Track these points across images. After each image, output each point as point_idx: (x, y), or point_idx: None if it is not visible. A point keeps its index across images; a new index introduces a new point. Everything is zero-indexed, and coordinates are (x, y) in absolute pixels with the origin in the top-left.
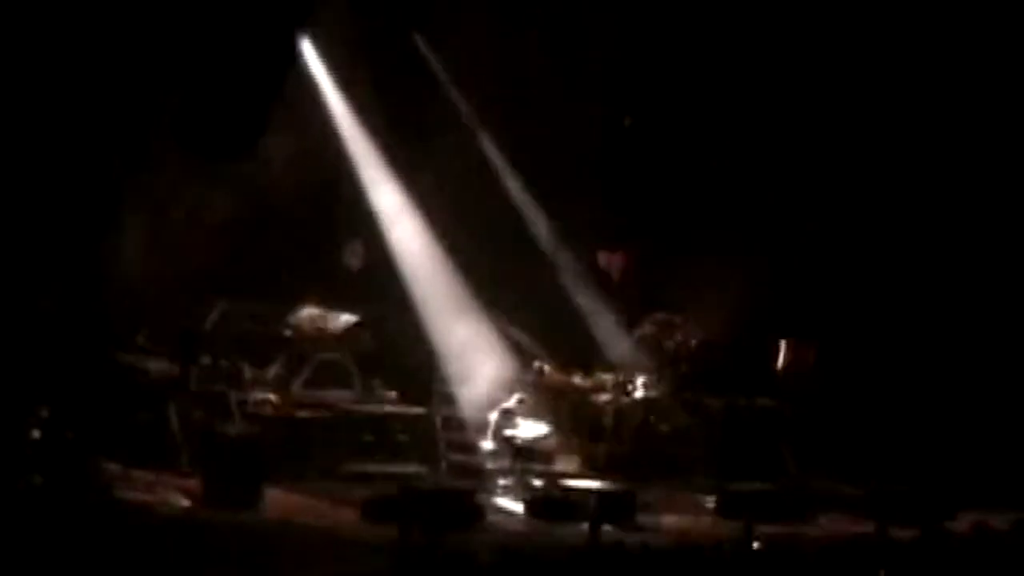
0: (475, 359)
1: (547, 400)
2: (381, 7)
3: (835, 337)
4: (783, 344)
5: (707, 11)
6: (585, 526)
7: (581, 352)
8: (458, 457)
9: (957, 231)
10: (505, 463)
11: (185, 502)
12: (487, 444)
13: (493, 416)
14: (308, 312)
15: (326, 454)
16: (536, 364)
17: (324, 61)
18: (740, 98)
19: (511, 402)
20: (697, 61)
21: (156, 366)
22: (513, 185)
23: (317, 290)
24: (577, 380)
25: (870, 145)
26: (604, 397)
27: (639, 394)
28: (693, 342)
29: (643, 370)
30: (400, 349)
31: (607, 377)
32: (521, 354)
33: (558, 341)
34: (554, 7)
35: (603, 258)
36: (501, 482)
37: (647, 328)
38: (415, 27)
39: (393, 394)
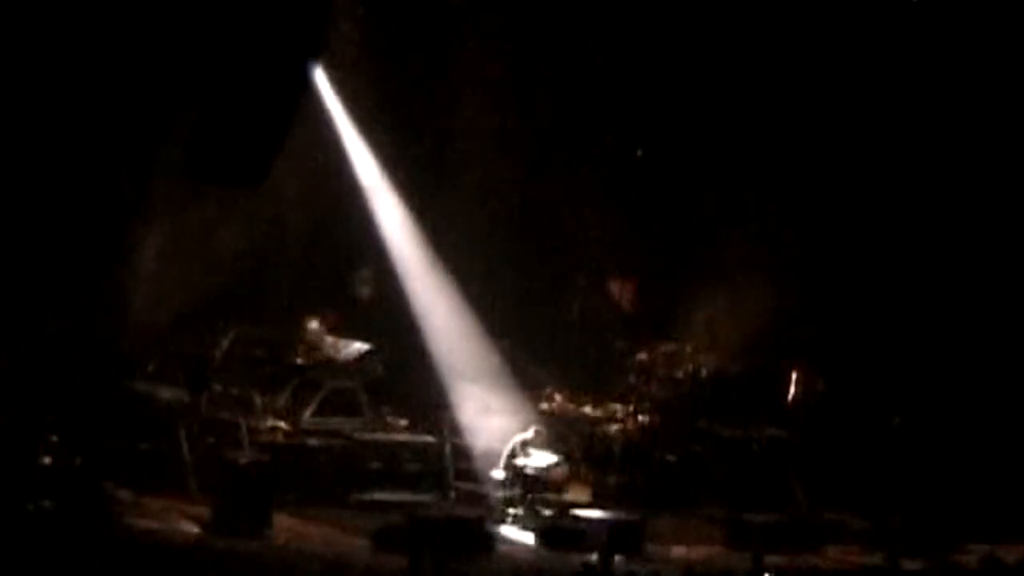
0: (485, 388)
1: (557, 429)
2: (393, 36)
3: (845, 367)
4: (793, 374)
5: (721, 46)
6: (595, 556)
7: (591, 381)
8: (468, 486)
9: (970, 261)
10: (515, 492)
11: (194, 529)
12: (498, 473)
13: (508, 446)
14: (314, 327)
15: (336, 482)
16: (546, 393)
17: (336, 89)
18: (751, 127)
19: (528, 433)
20: (709, 92)
21: (167, 393)
22: (524, 213)
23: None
24: (587, 409)
25: (880, 173)
26: (614, 427)
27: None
28: (703, 371)
29: (650, 399)
30: (410, 378)
31: (617, 406)
32: (532, 383)
33: (569, 370)
34: (567, 39)
35: (614, 287)
36: (511, 511)
37: (654, 356)
38: (427, 56)
39: (403, 422)
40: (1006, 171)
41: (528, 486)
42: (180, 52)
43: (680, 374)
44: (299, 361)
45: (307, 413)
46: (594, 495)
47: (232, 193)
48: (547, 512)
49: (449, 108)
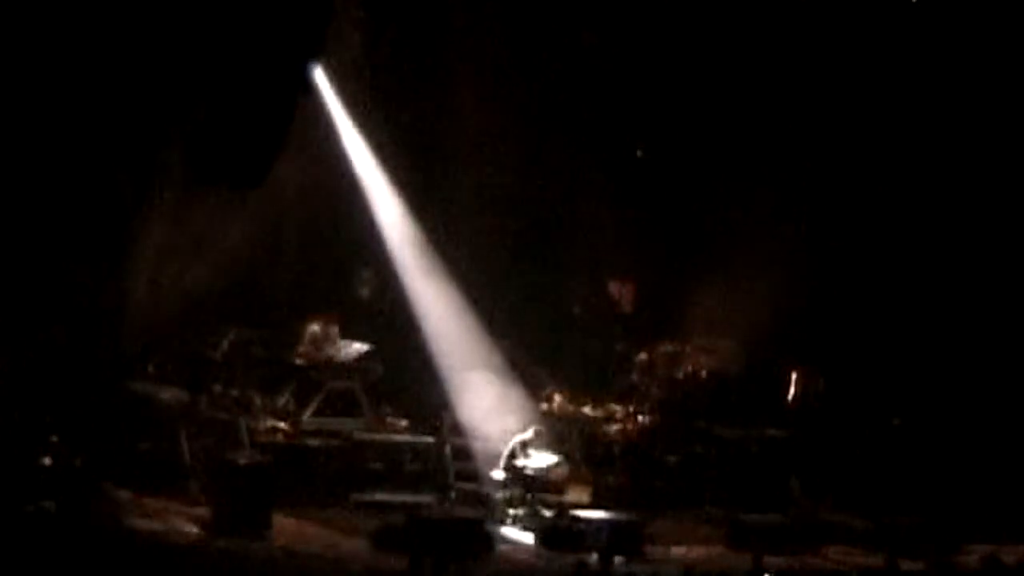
0: (486, 389)
1: (557, 429)
2: (393, 37)
3: (845, 367)
4: (793, 374)
5: (723, 45)
6: (595, 556)
7: (591, 381)
8: (468, 487)
9: (970, 262)
10: (515, 493)
11: (195, 529)
12: (497, 474)
13: (508, 446)
14: (313, 330)
15: (336, 482)
16: (546, 393)
17: (336, 90)
18: (752, 128)
19: (528, 433)
20: (710, 92)
21: (167, 394)
22: (524, 213)
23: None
24: (587, 410)
25: (880, 174)
26: (614, 427)
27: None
28: (703, 372)
29: (650, 399)
30: (410, 378)
31: (617, 406)
32: (532, 383)
33: (569, 370)
34: (567, 39)
35: (614, 288)
36: (511, 512)
37: (654, 356)
38: (427, 56)
39: (403, 422)
40: (1006, 173)
41: (528, 486)
42: (180, 54)
43: (680, 374)
44: (299, 361)
45: (307, 413)
46: (594, 495)
47: (232, 194)
48: (547, 512)
49: (449, 108)
